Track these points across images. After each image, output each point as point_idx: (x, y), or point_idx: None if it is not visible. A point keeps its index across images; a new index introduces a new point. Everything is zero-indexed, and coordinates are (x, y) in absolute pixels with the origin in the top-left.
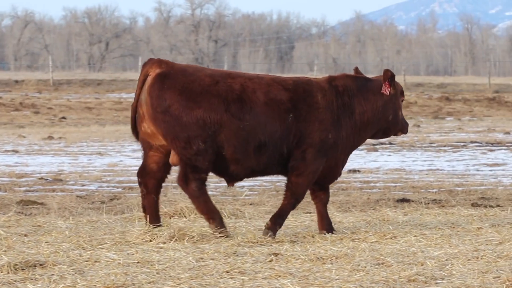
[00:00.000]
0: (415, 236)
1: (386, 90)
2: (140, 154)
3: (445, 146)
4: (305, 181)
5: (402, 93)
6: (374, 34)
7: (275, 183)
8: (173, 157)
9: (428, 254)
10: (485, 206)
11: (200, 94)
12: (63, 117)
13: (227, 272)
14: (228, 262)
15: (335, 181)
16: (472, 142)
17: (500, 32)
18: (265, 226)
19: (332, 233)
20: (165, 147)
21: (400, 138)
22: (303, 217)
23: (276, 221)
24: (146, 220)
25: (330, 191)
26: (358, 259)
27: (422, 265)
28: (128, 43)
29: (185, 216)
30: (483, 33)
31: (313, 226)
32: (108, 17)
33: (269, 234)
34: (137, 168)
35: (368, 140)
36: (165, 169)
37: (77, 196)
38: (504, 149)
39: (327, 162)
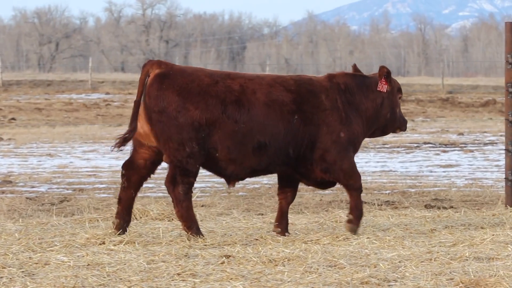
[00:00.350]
0: (368, 238)
1: (383, 87)
2: (90, 155)
3: (398, 147)
4: (351, 176)
5: (399, 90)
6: (326, 34)
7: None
8: (166, 157)
9: (381, 256)
10: (439, 208)
11: (198, 95)
12: (13, 118)
13: (178, 274)
14: (180, 265)
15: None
16: (425, 143)
17: (454, 32)
18: (348, 223)
19: (286, 234)
20: (156, 147)
21: None
22: (255, 219)
23: (357, 217)
24: (117, 212)
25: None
26: (311, 261)
27: (375, 267)
28: (78, 44)
29: (136, 218)
30: (436, 33)
31: (266, 228)
32: (58, 17)
33: (354, 229)
34: (87, 169)
35: None
36: (152, 167)
37: (26, 198)
38: (458, 150)
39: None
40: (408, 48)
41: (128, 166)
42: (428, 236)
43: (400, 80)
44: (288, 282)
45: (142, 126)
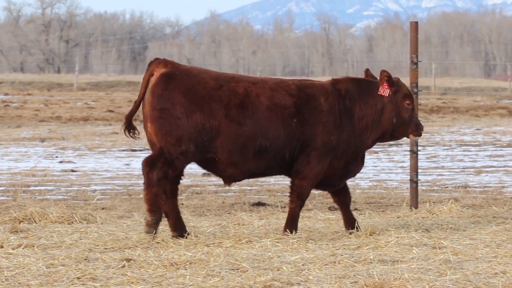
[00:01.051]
0: (271, 240)
1: (385, 91)
2: None
3: None
4: (309, 183)
5: (407, 95)
6: (229, 34)
7: (127, 187)
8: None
9: (284, 259)
10: None
11: (203, 98)
12: None
13: (78, 278)
14: (79, 268)
15: (334, 186)
16: None
17: (358, 32)
18: (284, 235)
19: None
20: None
21: None
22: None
23: (292, 227)
24: (170, 226)
25: (184, 195)
26: (213, 264)
27: (278, 270)
28: None
29: (35, 221)
30: (340, 33)
31: (167, 231)
32: None
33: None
34: None
35: None
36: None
37: None
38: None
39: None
40: (312, 48)
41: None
42: (332, 238)
43: None
44: (190, 285)
45: (150, 127)
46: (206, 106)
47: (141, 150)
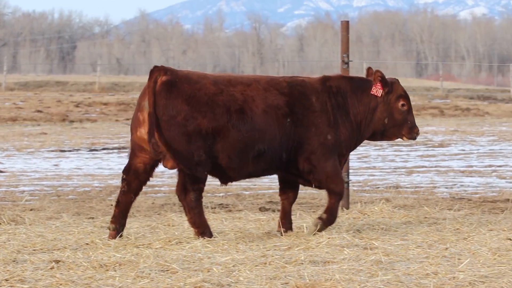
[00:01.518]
0: (201, 242)
1: (377, 91)
2: None
3: None
4: (334, 180)
5: (402, 96)
6: (159, 33)
7: (56, 188)
8: (167, 162)
9: (215, 260)
10: (273, 210)
11: (205, 104)
12: None
13: (6, 280)
14: (8, 270)
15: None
16: None
17: (289, 31)
18: (318, 218)
19: (288, 231)
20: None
21: None
22: (86, 223)
23: (328, 221)
24: (114, 216)
25: (114, 195)
26: (143, 265)
27: (209, 271)
28: None
29: None
30: (271, 33)
31: (96, 232)
32: None
33: (318, 226)
34: None
35: None
36: (151, 171)
37: None
38: None
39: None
40: (242, 47)
41: (128, 171)
42: (263, 239)
43: None
44: (120, 287)
45: (147, 133)
46: (209, 112)
47: (70, 151)
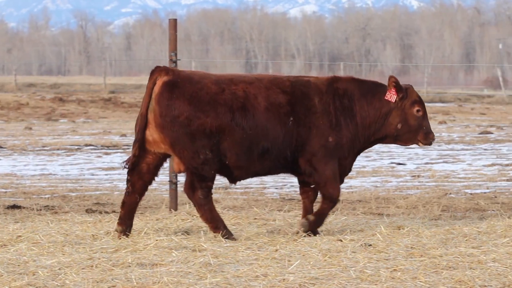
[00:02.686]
0: (26, 244)
1: (391, 97)
2: None
3: (58, 149)
4: (331, 185)
5: (417, 102)
6: None
7: None
8: (177, 165)
9: (40, 263)
10: (100, 212)
11: (208, 104)
12: None
13: None
14: None
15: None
16: (86, 145)
17: (116, 30)
18: (305, 219)
19: (318, 233)
20: (161, 152)
21: (12, 141)
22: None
23: (315, 224)
24: (120, 217)
25: None
26: None
27: (34, 274)
28: None
29: None
30: (98, 31)
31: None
32: None
33: (303, 228)
34: None
35: None
36: (155, 171)
37: None
38: (121, 152)
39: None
40: (69, 46)
41: (133, 172)
42: (89, 242)
43: (61, 79)
44: None
45: (152, 134)
46: (212, 111)
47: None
